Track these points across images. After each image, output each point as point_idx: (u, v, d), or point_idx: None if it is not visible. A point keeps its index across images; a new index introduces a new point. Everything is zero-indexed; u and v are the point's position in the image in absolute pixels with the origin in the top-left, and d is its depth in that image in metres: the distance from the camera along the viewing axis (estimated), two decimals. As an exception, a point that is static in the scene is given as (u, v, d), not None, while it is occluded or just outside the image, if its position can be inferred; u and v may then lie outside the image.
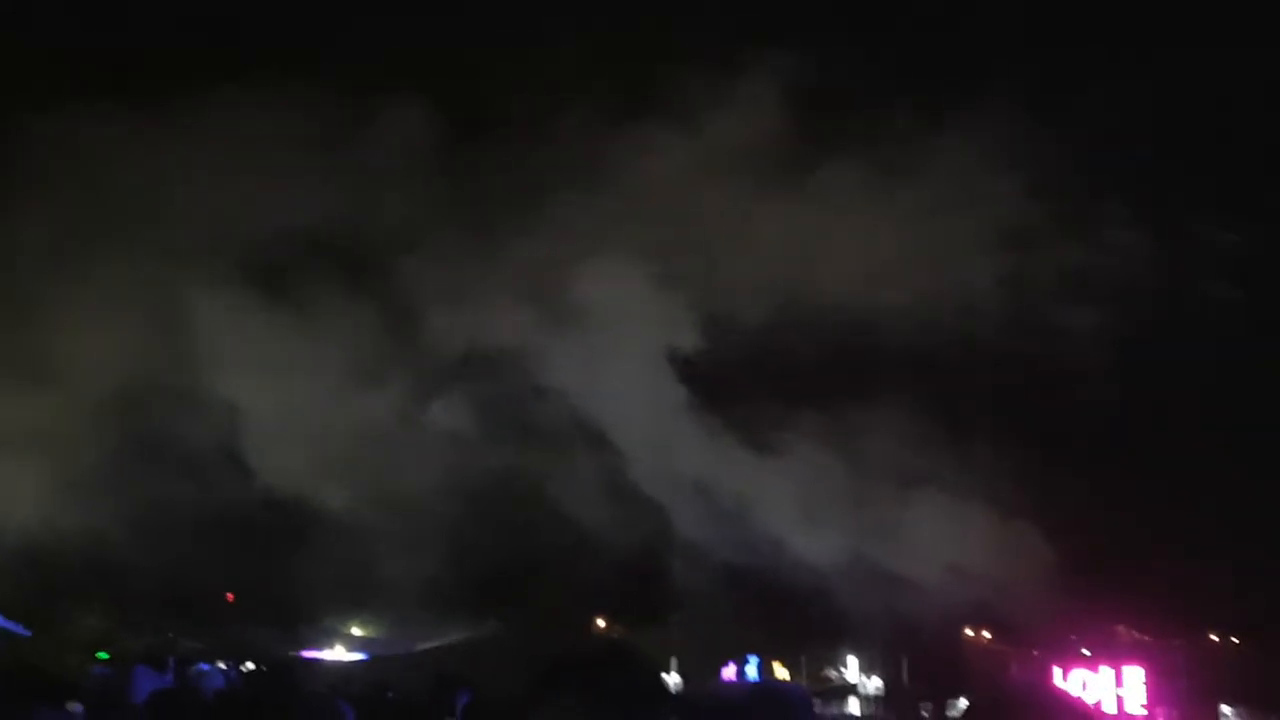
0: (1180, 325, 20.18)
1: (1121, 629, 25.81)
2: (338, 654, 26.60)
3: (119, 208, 20.55)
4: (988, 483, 20.22)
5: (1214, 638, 26.37)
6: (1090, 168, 20.31)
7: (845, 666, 28.82)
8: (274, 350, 20.57)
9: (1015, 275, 20.64)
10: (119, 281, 20.50)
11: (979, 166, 20.26)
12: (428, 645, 25.52)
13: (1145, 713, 24.35)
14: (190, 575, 22.57)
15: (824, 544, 20.64)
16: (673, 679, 23.92)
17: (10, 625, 20.13)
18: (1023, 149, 19.92)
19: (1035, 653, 25.91)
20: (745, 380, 21.80)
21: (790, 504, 20.99)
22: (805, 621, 23.77)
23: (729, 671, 24.64)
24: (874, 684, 28.32)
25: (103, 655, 18.02)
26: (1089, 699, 20.49)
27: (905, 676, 26.79)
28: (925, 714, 25.88)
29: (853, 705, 27.94)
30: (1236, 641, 26.21)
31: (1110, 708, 23.23)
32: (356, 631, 27.32)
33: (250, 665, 15.39)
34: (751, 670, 24.85)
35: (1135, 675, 24.48)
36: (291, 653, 23.52)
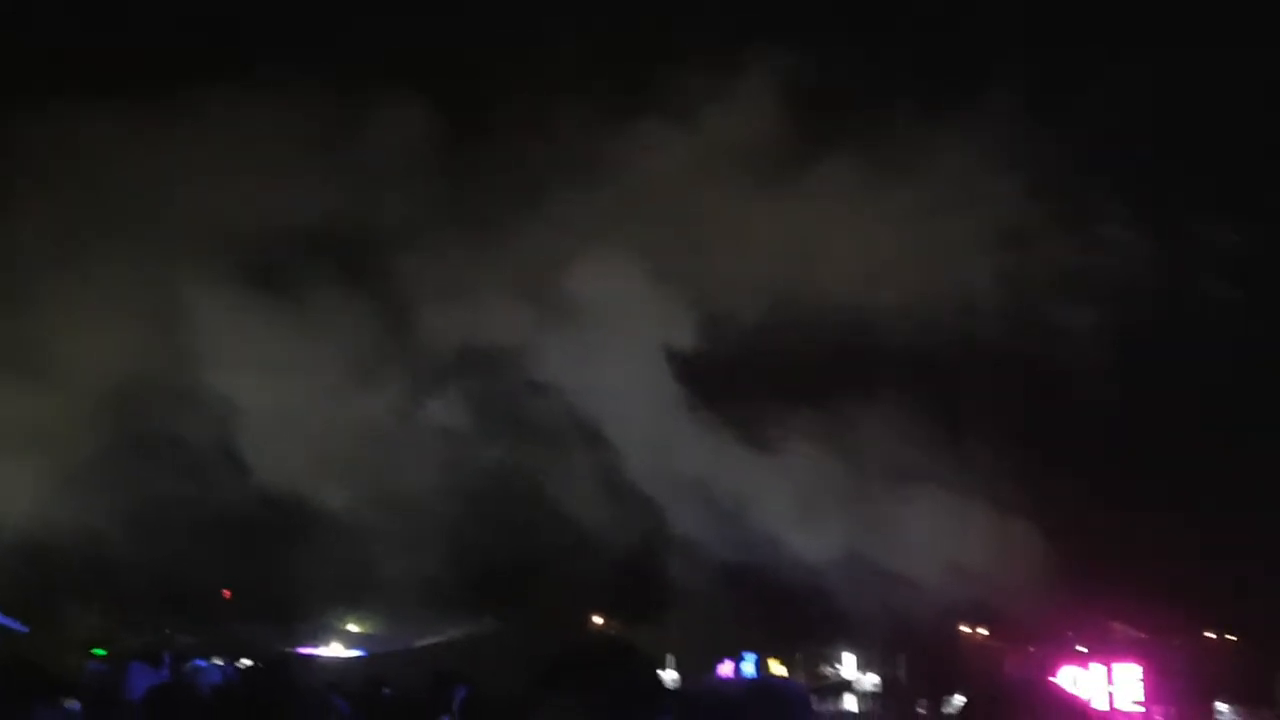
0: (1178, 324, 20.19)
1: (1118, 627, 25.85)
2: (334, 651, 26.61)
3: (117, 206, 20.55)
4: (985, 481, 20.24)
5: (1210, 636, 26.41)
6: (1089, 167, 20.33)
7: (842, 663, 28.85)
8: (271, 348, 20.57)
9: (1014, 274, 20.66)
10: (117, 280, 20.50)
11: (978, 165, 20.28)
12: (425, 642, 25.54)
13: (1142, 710, 24.39)
14: (187, 572, 22.57)
15: (821, 541, 20.64)
16: (669, 676, 23.93)
17: (8, 622, 20.13)
18: (1022, 148, 19.94)
19: (1032, 650, 25.95)
20: (743, 378, 21.82)
21: (787, 501, 21.00)
22: (802, 619, 23.79)
23: (726, 668, 24.65)
24: (871, 681, 28.36)
25: (99, 652, 18.00)
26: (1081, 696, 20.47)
27: (902, 673, 26.83)
28: (922, 711, 25.90)
29: (849, 702, 27.98)
30: (1233, 639, 26.25)
31: (1102, 705, 23.25)
32: (353, 628, 27.33)
33: (247, 662, 15.40)
34: (748, 667, 24.87)
35: (1128, 672, 24.51)
36: (288, 649, 23.51)
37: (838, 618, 22.93)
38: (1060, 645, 25.32)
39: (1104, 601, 23.33)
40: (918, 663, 26.17)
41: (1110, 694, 24.03)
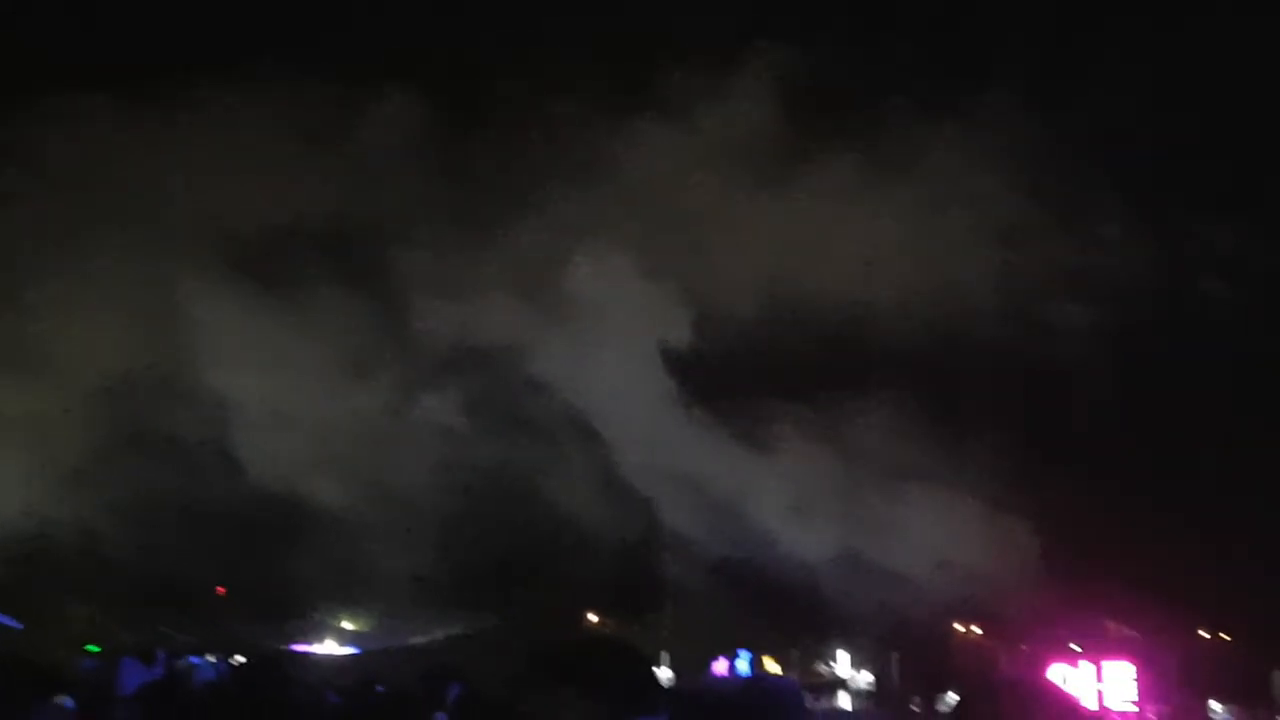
0: (1174, 324, 20.22)
1: (1111, 625, 25.87)
2: (328, 648, 26.56)
3: (113, 201, 20.53)
4: (979, 479, 20.26)
5: (1204, 634, 26.45)
6: (1089, 167, 20.36)
7: (836, 661, 28.85)
8: (268, 345, 20.56)
9: (1010, 273, 20.69)
10: (113, 275, 20.47)
11: (976, 164, 20.31)
12: (419, 639, 25.50)
13: (1135, 709, 24.40)
14: (182, 569, 22.54)
15: (816, 539, 20.68)
16: (664, 674, 23.93)
17: (2, 618, 20.09)
18: (1021, 147, 19.96)
19: (1025, 648, 25.96)
20: (739, 376, 21.83)
21: (783, 499, 21.03)
22: (797, 616, 23.79)
23: (720, 666, 24.64)
24: (865, 678, 28.36)
25: (93, 648, 17.97)
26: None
27: (896, 671, 26.83)
28: (915, 708, 25.90)
29: (844, 700, 27.97)
30: (1226, 638, 26.29)
31: (1091, 703, 23.24)
32: (347, 625, 27.29)
33: (240, 659, 15.36)
34: (743, 664, 24.85)
35: (1121, 670, 24.52)
36: (282, 646, 23.48)
37: (832, 615, 22.95)
38: (1054, 643, 25.31)
39: (1098, 600, 23.35)
40: (911, 661, 26.18)
41: (1100, 692, 24.03)
